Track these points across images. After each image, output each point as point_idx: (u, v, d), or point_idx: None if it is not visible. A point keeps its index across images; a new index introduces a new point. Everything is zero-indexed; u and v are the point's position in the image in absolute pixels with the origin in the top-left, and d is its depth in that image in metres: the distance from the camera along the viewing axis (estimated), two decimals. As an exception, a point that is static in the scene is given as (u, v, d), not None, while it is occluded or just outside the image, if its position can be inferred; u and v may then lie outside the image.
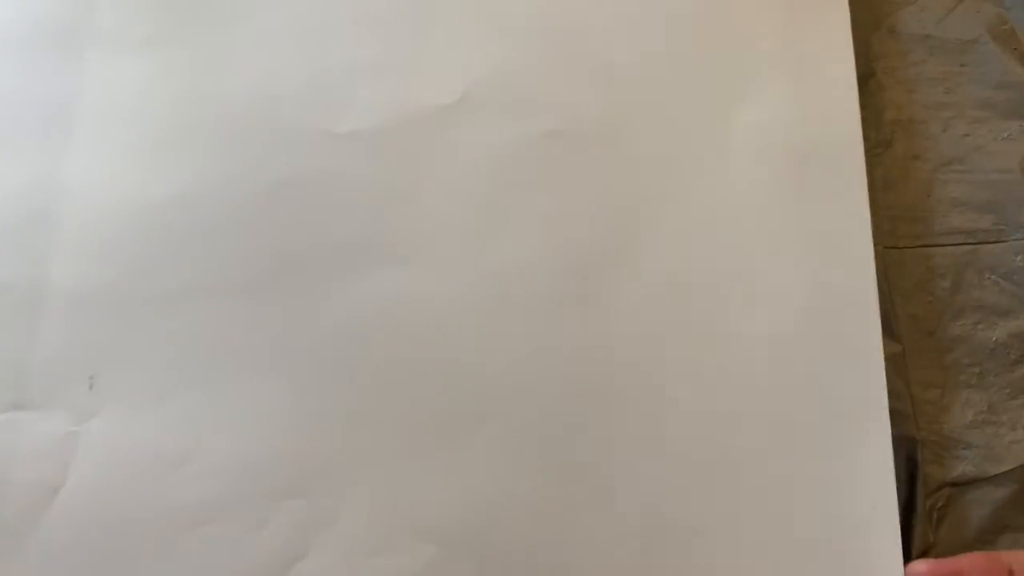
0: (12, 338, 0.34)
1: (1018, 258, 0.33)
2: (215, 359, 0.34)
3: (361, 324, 0.34)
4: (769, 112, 0.35)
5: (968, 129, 0.35)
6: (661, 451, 0.31)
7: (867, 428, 0.31)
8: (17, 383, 0.34)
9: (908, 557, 0.29)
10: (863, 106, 0.34)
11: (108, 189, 0.36)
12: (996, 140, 0.34)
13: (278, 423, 0.33)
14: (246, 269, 0.35)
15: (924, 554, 0.30)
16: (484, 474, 0.32)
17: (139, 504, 0.32)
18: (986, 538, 0.31)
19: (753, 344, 0.32)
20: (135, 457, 0.33)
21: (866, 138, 0.34)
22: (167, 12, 0.38)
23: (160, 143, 0.36)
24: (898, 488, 0.30)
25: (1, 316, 0.35)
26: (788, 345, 0.32)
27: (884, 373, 0.31)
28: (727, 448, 0.31)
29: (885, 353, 0.32)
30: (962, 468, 0.32)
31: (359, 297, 0.34)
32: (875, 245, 0.33)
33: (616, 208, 0.34)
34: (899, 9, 0.37)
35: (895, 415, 0.31)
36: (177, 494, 0.32)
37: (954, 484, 0.32)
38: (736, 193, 0.34)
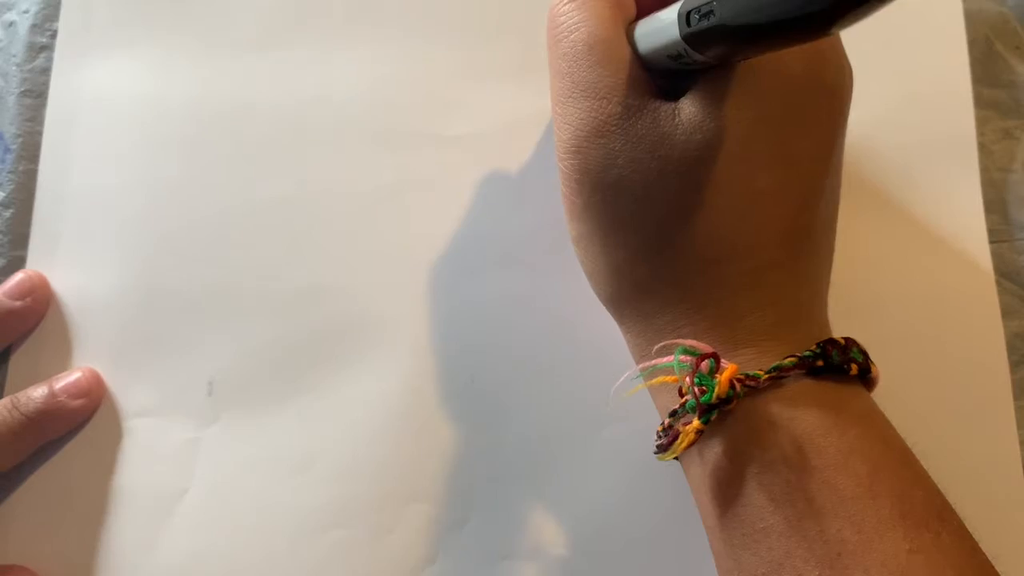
0: (133, 345, 0.34)
1: (1021, 258, 0.33)
2: (332, 362, 0.33)
3: (476, 325, 0.33)
4: (882, 108, 0.34)
5: (970, 128, 0.35)
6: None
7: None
8: (139, 391, 0.34)
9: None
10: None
11: (216, 192, 0.35)
12: (998, 139, 0.34)
13: (400, 426, 0.33)
14: (359, 270, 0.34)
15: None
16: (609, 477, 0.32)
17: (264, 509, 0.32)
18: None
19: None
20: (257, 462, 0.33)
21: (868, 137, 0.34)
22: (280, 14, 0.37)
23: (268, 146, 0.36)
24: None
25: (122, 323, 0.34)
26: (907, 342, 0.32)
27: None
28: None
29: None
30: (964, 469, 0.32)
31: (473, 299, 0.34)
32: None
33: None
34: (900, 7, 0.37)
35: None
36: (302, 498, 0.32)
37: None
38: (849, 188, 0.34)
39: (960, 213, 0.33)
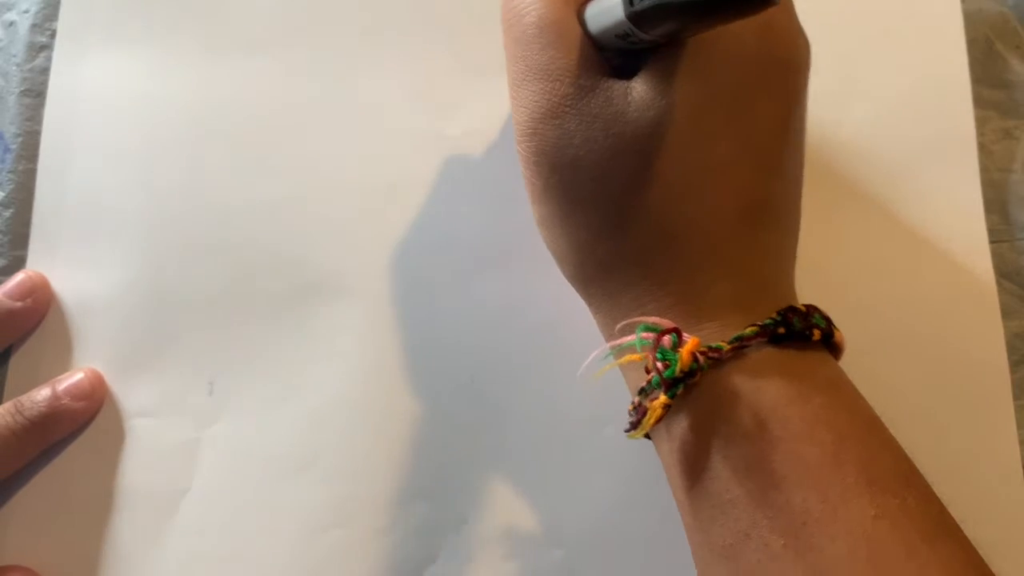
0: (134, 345, 0.34)
1: (1021, 258, 0.33)
2: (333, 362, 0.33)
3: (476, 324, 0.33)
4: (881, 107, 0.34)
5: (970, 128, 0.35)
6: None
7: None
8: (140, 391, 0.34)
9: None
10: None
11: (216, 192, 0.35)
12: (998, 139, 0.34)
13: (400, 426, 0.33)
14: (361, 270, 0.34)
15: None
16: (609, 477, 0.32)
17: (264, 509, 0.32)
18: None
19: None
20: (258, 462, 0.33)
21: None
22: (279, 14, 0.37)
23: (267, 145, 0.36)
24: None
25: (122, 323, 0.34)
26: (907, 343, 0.32)
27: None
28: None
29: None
30: (963, 469, 0.32)
31: (473, 298, 0.34)
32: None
33: None
34: (901, 7, 0.37)
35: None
36: (303, 498, 0.32)
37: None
38: (848, 188, 0.34)
39: (960, 213, 0.33)
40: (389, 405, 0.33)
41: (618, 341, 0.25)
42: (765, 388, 0.23)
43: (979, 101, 0.34)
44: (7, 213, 0.36)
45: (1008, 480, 0.30)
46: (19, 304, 0.34)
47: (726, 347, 0.23)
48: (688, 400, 0.23)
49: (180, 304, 0.35)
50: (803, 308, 0.24)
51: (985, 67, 0.35)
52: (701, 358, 0.23)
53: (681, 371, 0.23)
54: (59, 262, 0.36)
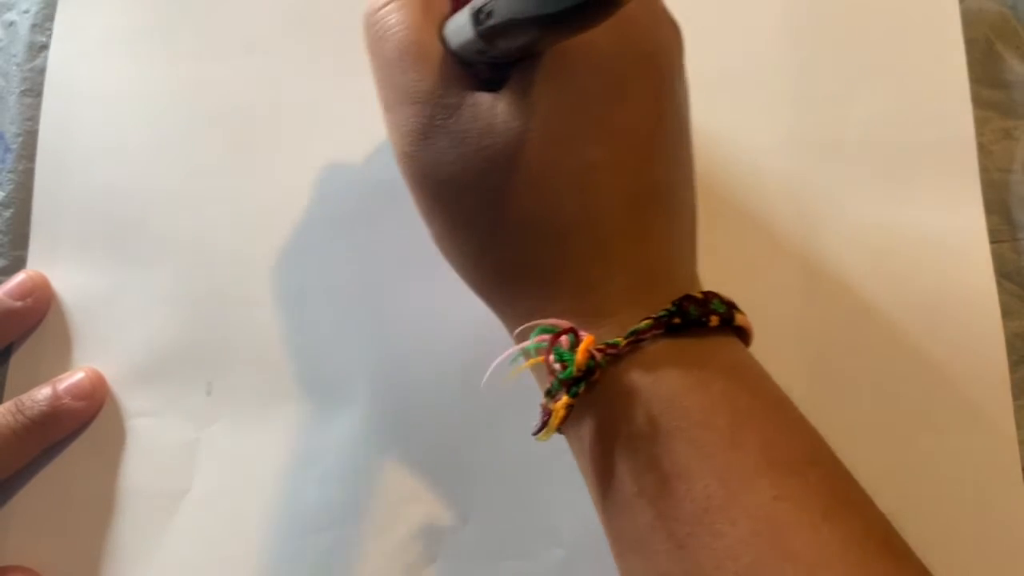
0: (133, 345, 0.34)
1: (1021, 258, 0.33)
2: (330, 363, 0.33)
3: (476, 323, 0.33)
4: (880, 108, 0.34)
5: (970, 128, 0.35)
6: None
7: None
8: (139, 391, 0.34)
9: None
10: (865, 105, 0.34)
11: (215, 191, 0.36)
12: (998, 140, 0.34)
13: (400, 426, 0.33)
14: (361, 269, 0.34)
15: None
16: None
17: (264, 508, 0.32)
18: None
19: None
20: (257, 462, 0.33)
21: (868, 137, 0.34)
22: (278, 14, 0.38)
23: (266, 145, 0.36)
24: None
25: (122, 323, 0.34)
26: (907, 343, 0.32)
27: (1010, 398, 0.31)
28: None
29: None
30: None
31: (473, 297, 0.34)
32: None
33: (730, 200, 0.34)
34: (901, 7, 0.37)
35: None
36: (302, 497, 0.32)
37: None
38: (847, 188, 0.34)
39: (960, 213, 0.33)
40: (389, 405, 0.33)
41: (516, 348, 0.25)
42: (663, 380, 0.23)
43: (979, 101, 0.34)
44: (7, 213, 0.36)
45: (1008, 480, 0.30)
46: (19, 304, 0.34)
47: (622, 342, 0.23)
48: (590, 398, 0.24)
49: (180, 304, 0.35)
50: (700, 295, 0.24)
51: (985, 67, 0.35)
52: (598, 355, 0.23)
53: (578, 370, 0.23)
54: (59, 262, 0.36)
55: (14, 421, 0.32)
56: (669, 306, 0.24)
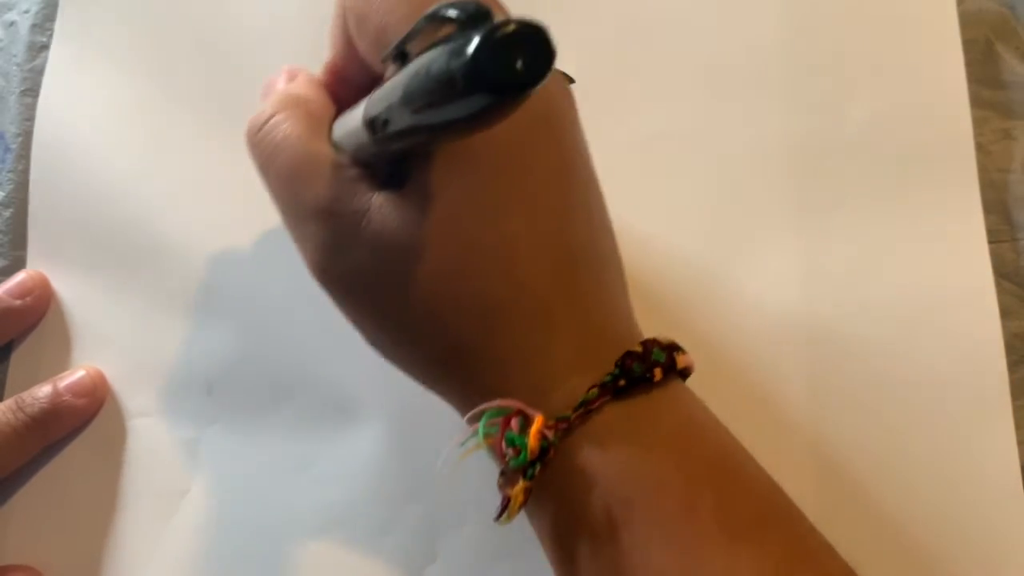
0: (133, 345, 0.34)
1: (1021, 258, 0.33)
2: (332, 362, 0.33)
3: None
4: (879, 108, 0.34)
5: (969, 128, 0.35)
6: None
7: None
8: (139, 391, 0.34)
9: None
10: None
11: (215, 191, 0.36)
12: (997, 140, 0.34)
13: (400, 425, 0.33)
14: None
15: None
16: None
17: (264, 509, 0.32)
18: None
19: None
20: (258, 462, 0.33)
21: (867, 137, 0.34)
22: (279, 15, 0.38)
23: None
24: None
25: (121, 322, 0.35)
26: (906, 343, 0.32)
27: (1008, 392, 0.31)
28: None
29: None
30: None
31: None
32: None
33: (728, 200, 0.34)
34: (900, 8, 0.37)
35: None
36: (301, 498, 0.32)
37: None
38: (847, 189, 0.34)
39: (959, 213, 0.33)
40: (389, 405, 0.33)
41: (467, 435, 0.24)
42: (615, 452, 0.23)
43: (978, 101, 0.34)
44: (7, 213, 0.36)
45: (1008, 480, 0.30)
46: (19, 302, 0.34)
47: (572, 416, 0.23)
48: (546, 477, 0.23)
49: (180, 303, 0.35)
50: (640, 348, 0.24)
51: (984, 67, 0.35)
52: (550, 434, 0.23)
53: (532, 455, 0.23)
54: (59, 262, 0.36)
55: (14, 419, 0.32)
56: (613, 369, 0.24)
